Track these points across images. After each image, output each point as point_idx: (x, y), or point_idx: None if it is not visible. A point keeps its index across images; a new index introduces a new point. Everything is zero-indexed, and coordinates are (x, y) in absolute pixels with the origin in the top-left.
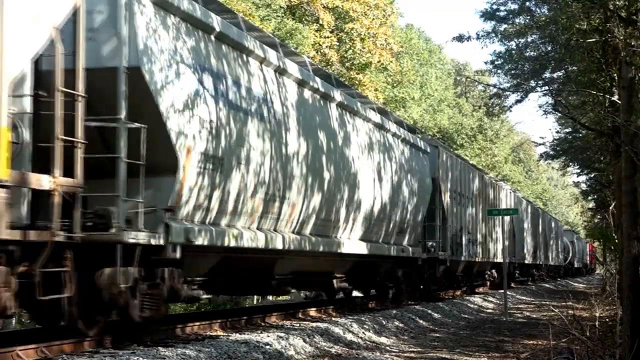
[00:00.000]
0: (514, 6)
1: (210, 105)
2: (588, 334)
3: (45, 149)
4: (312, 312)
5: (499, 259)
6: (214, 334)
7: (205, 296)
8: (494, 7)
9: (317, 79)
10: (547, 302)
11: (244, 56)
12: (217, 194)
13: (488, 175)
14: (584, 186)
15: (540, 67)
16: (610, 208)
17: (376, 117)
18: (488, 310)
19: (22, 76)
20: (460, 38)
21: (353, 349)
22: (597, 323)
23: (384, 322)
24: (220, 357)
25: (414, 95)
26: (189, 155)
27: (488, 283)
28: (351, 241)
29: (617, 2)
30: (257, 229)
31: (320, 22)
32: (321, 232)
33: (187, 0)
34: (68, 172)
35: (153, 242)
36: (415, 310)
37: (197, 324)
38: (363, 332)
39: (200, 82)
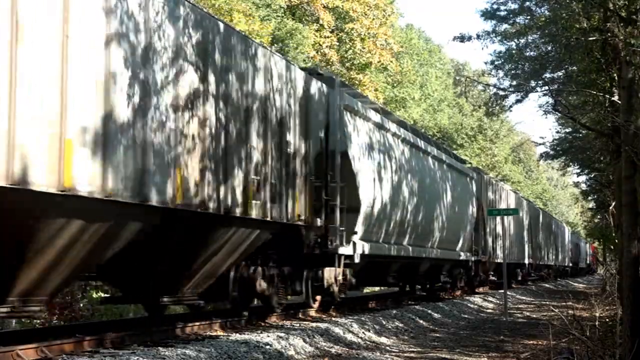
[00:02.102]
0: (514, 6)
1: (384, 173)
2: (588, 334)
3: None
4: (312, 312)
5: (526, 261)
6: (214, 334)
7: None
8: (494, 6)
9: (419, 140)
10: (547, 302)
11: (393, 136)
12: (383, 225)
13: (520, 194)
14: (584, 186)
15: (540, 67)
16: (610, 208)
17: (449, 160)
18: (488, 310)
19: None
20: (461, 38)
21: (353, 349)
22: (597, 323)
23: (384, 322)
24: (220, 357)
25: (414, 95)
26: (367, 203)
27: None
28: (433, 249)
29: (617, 2)
30: (395, 244)
31: (320, 22)
32: (419, 244)
33: (371, 111)
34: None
35: (348, 253)
36: (415, 310)
37: (197, 324)
38: (363, 332)
39: (381, 159)
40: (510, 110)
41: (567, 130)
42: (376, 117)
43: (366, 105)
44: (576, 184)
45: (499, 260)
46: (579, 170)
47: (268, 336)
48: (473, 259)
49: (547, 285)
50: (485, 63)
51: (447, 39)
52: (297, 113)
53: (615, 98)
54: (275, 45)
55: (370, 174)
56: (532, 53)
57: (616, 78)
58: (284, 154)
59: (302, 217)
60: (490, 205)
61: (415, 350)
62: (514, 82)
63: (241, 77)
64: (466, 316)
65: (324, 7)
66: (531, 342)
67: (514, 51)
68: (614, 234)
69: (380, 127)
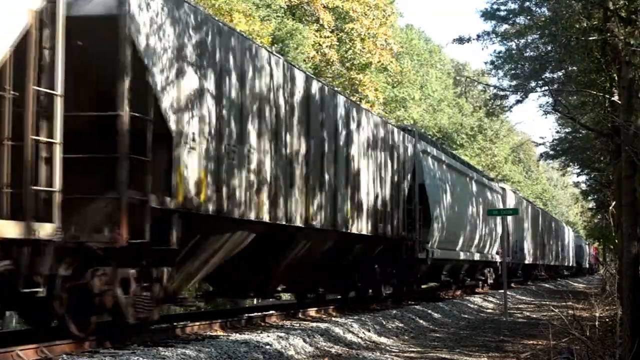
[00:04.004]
0: (514, 6)
1: (445, 197)
2: (588, 334)
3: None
4: (312, 312)
5: (539, 261)
6: (214, 334)
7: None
8: (494, 7)
9: (463, 166)
10: (547, 302)
11: (453, 171)
12: (443, 235)
13: (539, 206)
14: (584, 186)
15: (540, 67)
16: (610, 208)
17: (483, 180)
18: (488, 310)
19: None
20: (460, 40)
21: (353, 349)
22: (597, 323)
23: (384, 322)
24: (220, 357)
25: (414, 95)
26: (435, 221)
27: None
28: (474, 252)
29: (617, 2)
30: (451, 249)
31: (320, 22)
32: (465, 249)
33: (435, 150)
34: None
35: (422, 256)
36: (415, 310)
37: (197, 324)
38: (363, 332)
39: (443, 187)
40: (510, 111)
41: (567, 130)
42: (440, 154)
43: (432, 147)
44: (576, 184)
45: (526, 262)
46: (579, 170)
47: (268, 336)
48: (498, 260)
49: (547, 285)
50: (485, 63)
51: (447, 40)
52: (405, 160)
53: (615, 98)
54: (275, 45)
55: (437, 199)
56: (532, 53)
57: (616, 78)
58: (394, 191)
59: (402, 233)
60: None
61: (415, 350)
62: (514, 83)
63: (374, 145)
64: (466, 316)
65: (324, 7)
66: (531, 342)
67: (514, 51)
68: (614, 234)
69: (440, 161)
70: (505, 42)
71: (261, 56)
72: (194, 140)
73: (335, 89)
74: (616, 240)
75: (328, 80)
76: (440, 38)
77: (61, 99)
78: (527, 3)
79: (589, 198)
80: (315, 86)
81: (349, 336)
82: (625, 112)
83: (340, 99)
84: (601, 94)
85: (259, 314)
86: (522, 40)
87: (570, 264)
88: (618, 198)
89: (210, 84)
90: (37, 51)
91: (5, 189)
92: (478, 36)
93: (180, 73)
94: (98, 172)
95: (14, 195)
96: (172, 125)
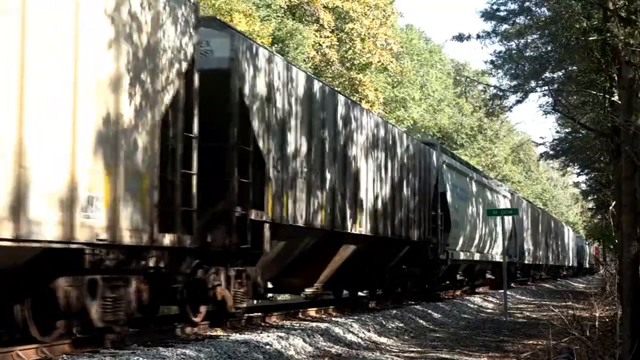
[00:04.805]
0: (514, 6)
1: (463, 205)
2: (588, 334)
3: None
4: (312, 312)
5: (543, 261)
6: (214, 334)
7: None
8: (494, 7)
9: (476, 174)
10: (547, 302)
11: (469, 179)
12: (461, 239)
13: (539, 207)
14: (584, 186)
15: (540, 67)
16: (610, 208)
17: (496, 187)
18: (488, 310)
19: None
20: (460, 38)
21: (353, 349)
22: (597, 323)
23: (384, 322)
24: (220, 357)
25: (414, 95)
26: (455, 225)
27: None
28: (487, 254)
29: (617, 2)
30: (467, 251)
31: (320, 22)
32: (480, 251)
33: (455, 162)
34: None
35: (443, 257)
36: (415, 310)
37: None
38: (363, 332)
39: (461, 195)
40: (510, 111)
41: (567, 130)
42: (457, 165)
43: (451, 158)
44: (576, 184)
45: (525, 262)
46: (579, 170)
47: (268, 336)
48: (508, 260)
49: (547, 285)
50: (485, 62)
51: (446, 39)
52: (431, 172)
53: (615, 98)
54: (275, 45)
55: (456, 206)
56: (532, 53)
57: (616, 78)
58: (420, 199)
59: (428, 237)
60: (521, 217)
61: (415, 350)
62: (514, 83)
63: (408, 163)
64: (466, 316)
65: (324, 7)
66: (531, 342)
67: (513, 51)
68: (613, 234)
69: (458, 171)
70: (505, 42)
71: (339, 101)
72: (280, 166)
73: (393, 124)
74: (616, 240)
75: (328, 80)
76: (441, 38)
77: (196, 140)
78: (527, 3)
79: (589, 198)
80: (382, 130)
81: (349, 336)
82: (625, 112)
83: (395, 130)
84: (601, 94)
85: (259, 314)
86: (522, 40)
87: (571, 264)
88: (618, 198)
89: (293, 123)
90: (183, 103)
91: (177, 209)
92: (478, 36)
93: (271, 114)
94: (216, 191)
95: (165, 213)
96: (265, 155)
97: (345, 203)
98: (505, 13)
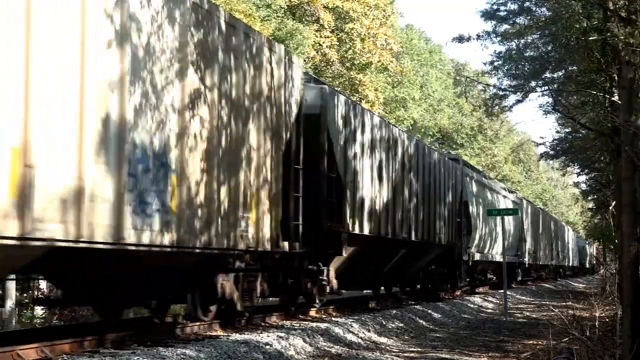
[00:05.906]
0: (514, 6)
1: (481, 210)
2: (588, 334)
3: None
4: (313, 312)
5: (548, 262)
6: (214, 334)
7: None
8: (494, 7)
9: (491, 183)
10: (547, 302)
11: (486, 188)
12: (480, 240)
13: (546, 209)
14: (584, 186)
15: (540, 67)
16: (610, 208)
17: (505, 193)
18: (488, 310)
19: None
20: (459, 39)
21: (353, 349)
22: (597, 323)
23: (384, 322)
24: (220, 357)
25: (414, 95)
26: (475, 230)
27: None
28: (497, 254)
29: (617, 2)
30: (483, 252)
31: (320, 22)
32: (496, 253)
33: (474, 173)
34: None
35: (465, 258)
36: (415, 310)
37: (197, 324)
38: (363, 332)
39: (479, 202)
40: (511, 111)
41: (567, 130)
42: (475, 175)
43: (471, 170)
44: (576, 184)
45: (532, 262)
46: (579, 170)
47: (268, 336)
48: (518, 260)
49: (547, 285)
50: (484, 64)
51: (446, 40)
52: (457, 183)
53: (615, 98)
54: None
55: (476, 212)
56: (532, 53)
57: (616, 78)
58: (450, 208)
59: (454, 240)
60: (530, 220)
61: (415, 350)
62: (514, 83)
63: (442, 177)
64: (466, 316)
65: (324, 7)
66: (531, 342)
67: (513, 51)
68: (613, 234)
69: (477, 182)
70: (505, 42)
71: (402, 140)
72: (353, 189)
73: (430, 146)
74: (616, 240)
75: (328, 80)
76: (441, 38)
77: (302, 171)
78: (527, 3)
79: (589, 198)
80: (426, 153)
81: (349, 336)
82: (625, 112)
83: (435, 154)
84: (601, 94)
85: (259, 314)
86: (522, 41)
87: (571, 264)
88: (618, 198)
89: (362, 155)
90: (295, 142)
91: (292, 222)
92: (478, 36)
93: (348, 147)
94: (310, 207)
95: (284, 226)
96: (344, 180)
97: (402, 216)
98: (505, 13)
